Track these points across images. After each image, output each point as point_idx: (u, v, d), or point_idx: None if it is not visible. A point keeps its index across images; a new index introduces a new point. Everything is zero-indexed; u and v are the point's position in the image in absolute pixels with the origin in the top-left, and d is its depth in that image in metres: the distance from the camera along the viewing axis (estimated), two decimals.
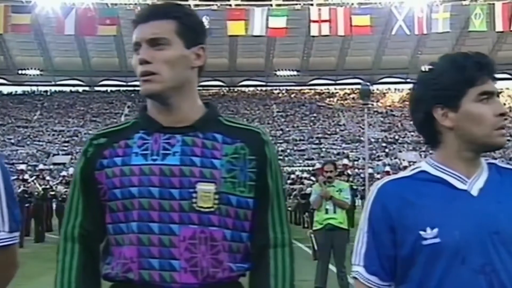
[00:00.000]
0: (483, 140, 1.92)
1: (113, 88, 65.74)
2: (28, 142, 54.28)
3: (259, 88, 66.75)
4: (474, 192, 1.91)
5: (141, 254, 1.90)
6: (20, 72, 62.03)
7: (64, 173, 25.85)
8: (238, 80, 65.62)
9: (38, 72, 62.85)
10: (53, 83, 66.23)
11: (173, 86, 1.97)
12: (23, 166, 29.58)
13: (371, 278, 1.97)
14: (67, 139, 56.04)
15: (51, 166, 46.87)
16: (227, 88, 66.88)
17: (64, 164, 47.57)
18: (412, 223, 1.89)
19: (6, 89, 66.48)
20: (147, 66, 1.95)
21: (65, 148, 54.25)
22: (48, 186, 20.96)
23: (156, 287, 1.90)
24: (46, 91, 66.23)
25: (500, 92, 2.06)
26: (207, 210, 1.91)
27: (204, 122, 2.01)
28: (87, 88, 67.43)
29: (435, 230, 1.86)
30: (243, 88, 67.02)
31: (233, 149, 1.99)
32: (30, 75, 63.54)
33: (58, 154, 52.60)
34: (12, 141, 54.58)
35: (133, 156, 1.96)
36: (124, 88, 65.10)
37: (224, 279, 1.94)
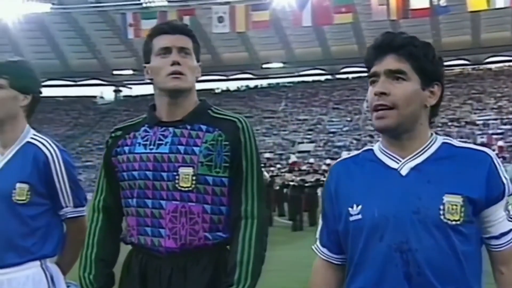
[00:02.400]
0: None
1: (354, 75, 65.90)
2: (275, 132, 56.42)
3: (507, 64, 62.66)
4: (404, 171, 1.97)
5: (139, 223, 2.43)
6: (264, 66, 64.67)
7: (311, 160, 26.65)
8: (483, 57, 62.26)
9: (281, 64, 65.08)
10: (295, 74, 68.22)
11: (190, 87, 2.48)
12: (269, 155, 31.01)
13: (323, 250, 2.18)
14: (311, 127, 57.30)
15: (297, 154, 48.16)
16: (472, 66, 63.83)
17: (308, 151, 48.76)
18: (345, 200, 2.04)
19: (252, 83, 69.94)
20: (178, 67, 2.43)
21: (309, 136, 55.51)
22: (275, 174, 21.64)
23: (148, 250, 2.41)
24: (289, 82, 68.36)
25: None
26: (186, 189, 2.36)
27: (192, 116, 2.46)
28: (328, 77, 68.47)
29: (359, 207, 1.98)
30: (489, 66, 63.43)
31: (212, 136, 2.41)
32: (273, 68, 66.01)
33: (302, 142, 53.96)
34: (259, 131, 57.14)
35: (137, 146, 2.48)
36: (365, 74, 64.68)
37: (200, 246, 2.36)
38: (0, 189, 2.83)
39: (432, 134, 2.06)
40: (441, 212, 1.89)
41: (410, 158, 1.99)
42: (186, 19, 50.86)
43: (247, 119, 2.50)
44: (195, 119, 2.45)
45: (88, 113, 74.20)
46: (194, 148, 2.39)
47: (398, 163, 2.00)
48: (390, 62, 1.99)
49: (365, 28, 56.07)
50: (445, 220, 1.89)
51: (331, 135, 55.02)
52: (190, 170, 2.36)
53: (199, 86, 2.31)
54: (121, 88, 77.18)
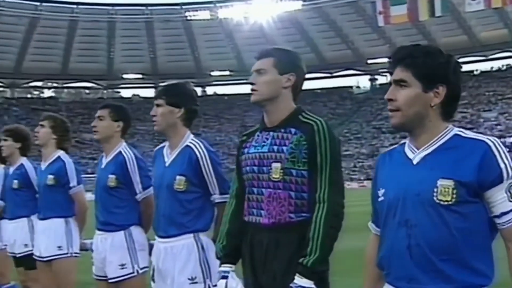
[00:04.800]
0: None
1: None
2: None
3: None
4: (416, 160, 2.35)
5: (249, 206, 3.14)
6: None
7: None
8: None
9: None
10: None
11: (266, 99, 3.11)
12: None
13: (373, 225, 2.63)
14: None
15: None
16: None
17: None
18: (378, 184, 2.49)
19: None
20: (253, 86, 3.13)
21: None
22: None
23: (254, 225, 3.10)
24: None
25: None
26: (277, 179, 3.01)
27: (285, 122, 3.08)
28: None
29: (383, 191, 2.43)
30: None
31: (296, 138, 3.01)
32: None
33: None
34: None
35: (251, 148, 3.17)
36: None
37: (287, 223, 3.00)
38: (166, 181, 3.87)
39: (447, 127, 2.37)
40: (435, 194, 2.24)
41: (422, 149, 2.36)
42: (437, 1, 49.60)
43: (325, 121, 3.05)
44: (287, 124, 3.06)
45: (345, 103, 75.67)
46: (283, 147, 3.01)
47: (413, 153, 2.38)
48: (396, 73, 2.37)
49: None
50: (437, 201, 2.23)
51: None
52: (279, 165, 3.00)
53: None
54: (376, 77, 77.38)
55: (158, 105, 3.94)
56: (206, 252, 3.83)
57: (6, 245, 6.21)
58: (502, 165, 2.22)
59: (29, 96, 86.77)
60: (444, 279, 2.23)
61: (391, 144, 2.77)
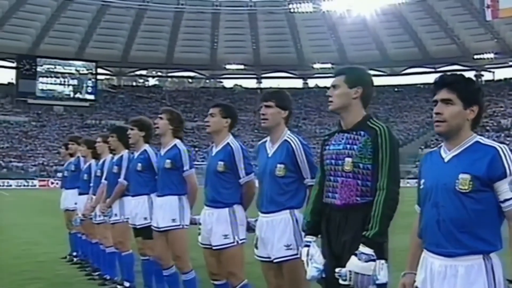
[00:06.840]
0: None
1: None
2: None
3: None
4: (446, 159, 3.15)
5: (327, 190, 3.96)
6: None
7: None
8: None
9: None
10: None
11: (339, 107, 3.93)
12: None
13: (417, 207, 3.34)
14: None
15: None
16: None
17: None
18: (421, 176, 3.27)
19: None
20: (330, 98, 3.95)
21: None
22: None
23: (330, 206, 3.92)
24: None
25: None
26: (348, 170, 3.83)
27: (357, 126, 3.90)
28: None
29: (423, 181, 3.22)
30: None
31: (364, 139, 3.84)
32: None
33: None
34: None
35: (331, 145, 4.00)
36: None
37: (354, 204, 3.81)
38: (269, 168, 4.72)
39: (472, 135, 3.15)
40: (457, 184, 3.02)
41: (452, 151, 3.14)
42: None
43: (387, 127, 3.87)
44: (358, 128, 3.89)
45: None
46: (354, 146, 3.84)
47: (446, 154, 3.16)
48: (443, 94, 3.14)
49: None
50: (458, 189, 3.02)
51: None
52: (350, 159, 3.82)
53: None
54: (482, 73, 75.18)
55: (268, 106, 4.80)
56: (300, 225, 4.58)
57: (127, 218, 7.34)
58: (506, 165, 2.99)
59: (134, 84, 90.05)
60: (462, 245, 3.00)
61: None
